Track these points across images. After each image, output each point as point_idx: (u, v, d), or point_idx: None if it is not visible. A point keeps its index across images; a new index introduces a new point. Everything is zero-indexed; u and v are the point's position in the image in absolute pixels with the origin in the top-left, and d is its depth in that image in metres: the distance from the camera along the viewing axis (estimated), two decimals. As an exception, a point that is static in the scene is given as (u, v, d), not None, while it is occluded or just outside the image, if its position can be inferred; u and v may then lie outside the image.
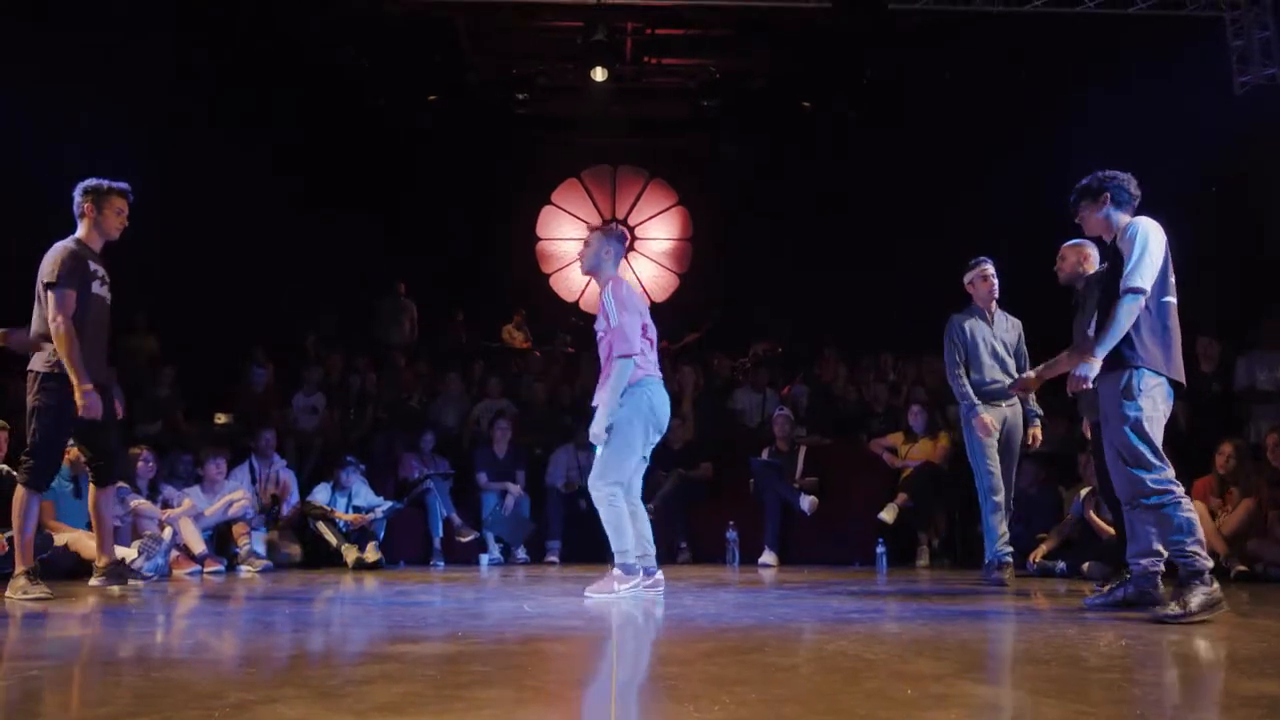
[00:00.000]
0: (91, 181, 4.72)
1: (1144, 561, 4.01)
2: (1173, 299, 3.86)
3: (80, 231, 4.70)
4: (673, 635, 3.47)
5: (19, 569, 4.59)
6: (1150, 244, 3.78)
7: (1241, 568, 5.69)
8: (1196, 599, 3.54)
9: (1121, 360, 3.77)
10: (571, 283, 14.02)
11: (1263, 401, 7.55)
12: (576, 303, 13.90)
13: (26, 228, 4.19)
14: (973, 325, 5.80)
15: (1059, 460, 7.00)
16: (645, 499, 7.87)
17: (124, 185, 4.77)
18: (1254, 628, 3.43)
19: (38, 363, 4.59)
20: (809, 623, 3.71)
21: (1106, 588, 4.49)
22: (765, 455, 7.97)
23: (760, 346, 11.17)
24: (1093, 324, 4.75)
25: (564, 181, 14.15)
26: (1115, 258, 3.91)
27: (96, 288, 4.67)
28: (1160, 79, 8.67)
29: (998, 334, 5.76)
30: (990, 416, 5.63)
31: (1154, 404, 3.74)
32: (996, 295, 5.80)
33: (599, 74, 10.45)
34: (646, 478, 8.28)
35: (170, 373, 8.59)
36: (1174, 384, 3.83)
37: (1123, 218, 3.99)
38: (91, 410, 4.50)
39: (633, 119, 12.81)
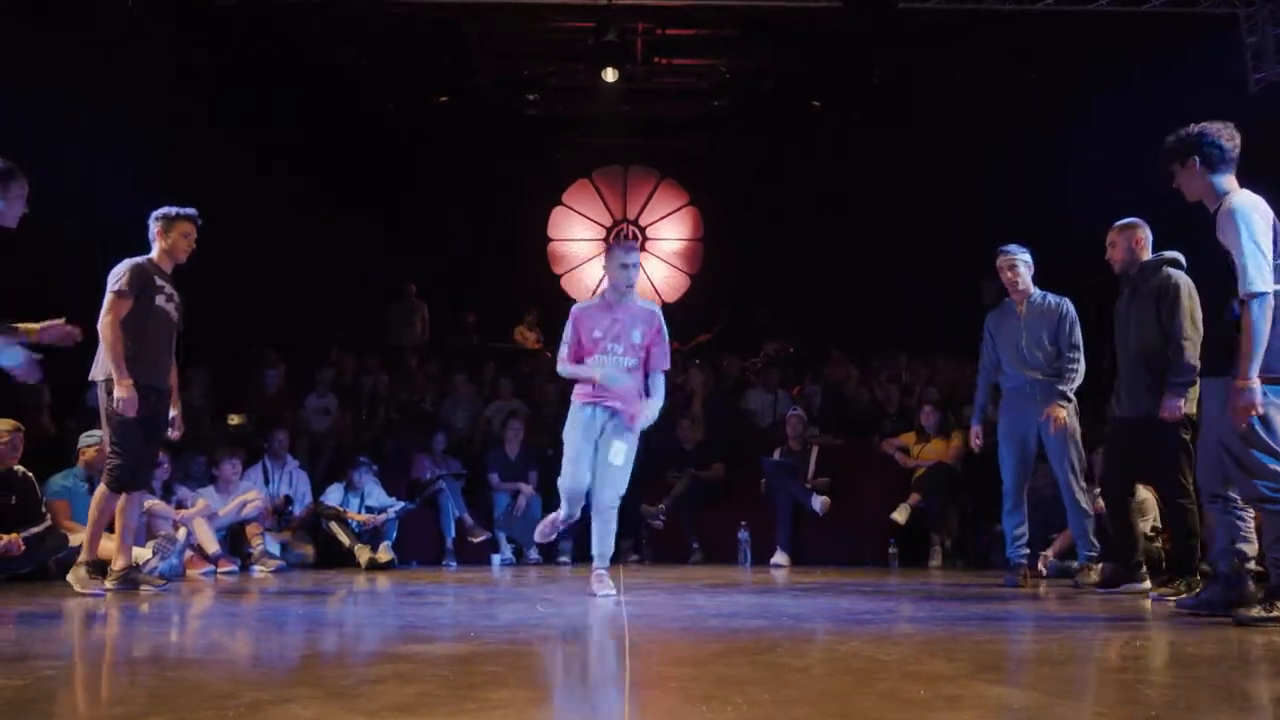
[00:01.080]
0: (162, 209, 5.09)
1: (1230, 558, 3.92)
2: None
3: (153, 253, 5.06)
4: (685, 636, 3.47)
5: (82, 558, 4.89)
6: (1256, 232, 3.43)
7: (1259, 568, 5.64)
8: None
9: (1226, 367, 3.51)
10: (583, 283, 14.02)
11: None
12: (588, 303, 13.88)
13: (26, 228, 4.23)
14: (998, 321, 5.62)
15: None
16: (655, 500, 7.94)
17: (191, 211, 5.12)
18: (1270, 629, 3.41)
19: (99, 372, 4.88)
20: (821, 623, 3.71)
21: (1182, 587, 4.47)
22: (777, 455, 7.96)
23: (771, 346, 11.16)
24: (1177, 318, 4.54)
25: (575, 182, 14.15)
26: (1214, 243, 3.56)
27: (161, 302, 4.99)
28: (1172, 77, 8.62)
29: (1026, 326, 5.45)
30: (976, 429, 5.70)
31: (1269, 409, 3.46)
32: (1022, 285, 5.50)
33: (609, 74, 10.45)
34: (657, 479, 8.34)
35: (202, 375, 8.62)
36: None
37: (1225, 181, 3.60)
38: (127, 407, 4.74)
39: (643, 119, 12.79)
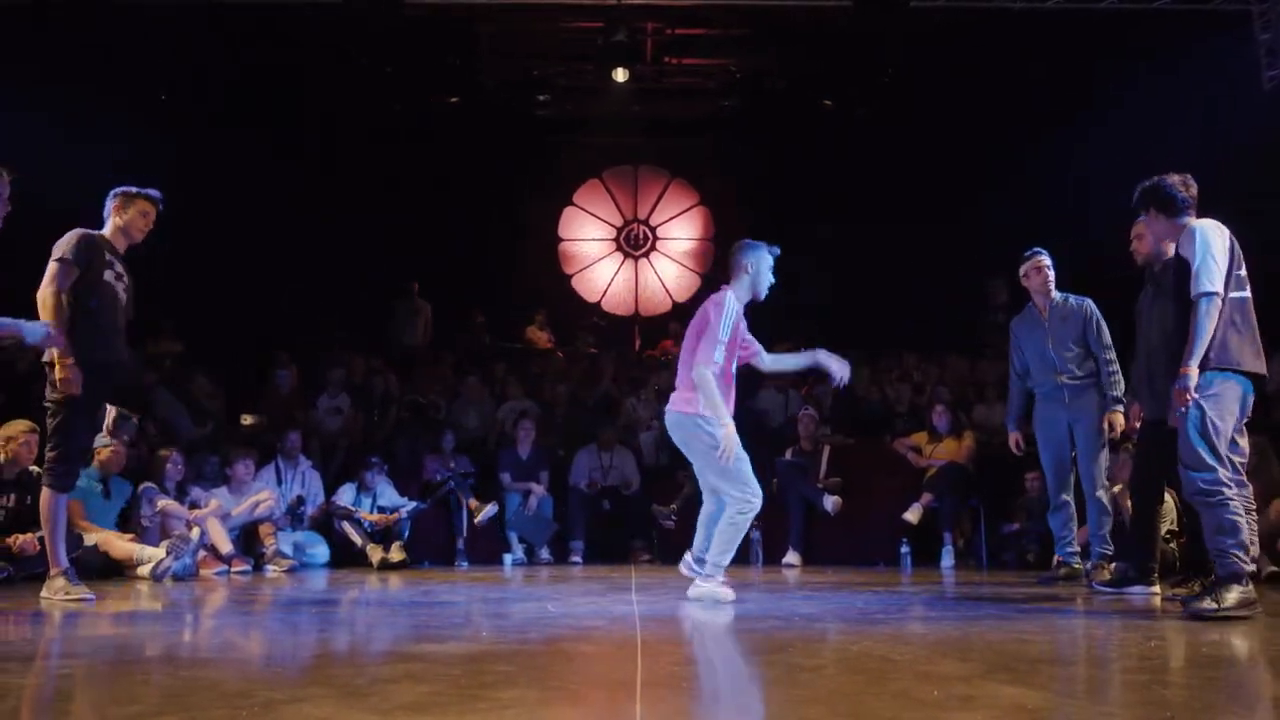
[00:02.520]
0: (122, 186, 4.80)
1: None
2: (1245, 294, 3.84)
3: (105, 229, 4.74)
4: (697, 636, 3.46)
5: (54, 570, 4.55)
6: (1212, 245, 3.77)
7: (1272, 568, 5.61)
8: (1231, 596, 3.58)
9: (1180, 366, 3.74)
10: (593, 283, 14.04)
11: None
12: (598, 303, 13.92)
13: (25, 228, 4.24)
14: (1023, 328, 5.67)
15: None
16: (667, 501, 7.93)
17: (155, 193, 4.82)
18: (1222, 621, 3.40)
19: (49, 354, 4.51)
20: (833, 623, 3.70)
21: (1196, 587, 4.45)
22: (789, 455, 7.94)
23: (782, 347, 11.13)
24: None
25: (585, 182, 14.17)
26: (1180, 263, 3.90)
27: (110, 278, 4.64)
28: (1184, 75, 8.58)
29: (1051, 330, 5.50)
30: (1015, 435, 5.72)
31: (1220, 404, 3.71)
32: (1050, 288, 5.53)
33: (620, 74, 10.45)
34: (669, 479, 8.33)
35: (213, 376, 8.68)
36: (1255, 377, 3.80)
37: (1187, 221, 3.95)
38: (68, 386, 4.37)
39: (653, 119, 12.80)
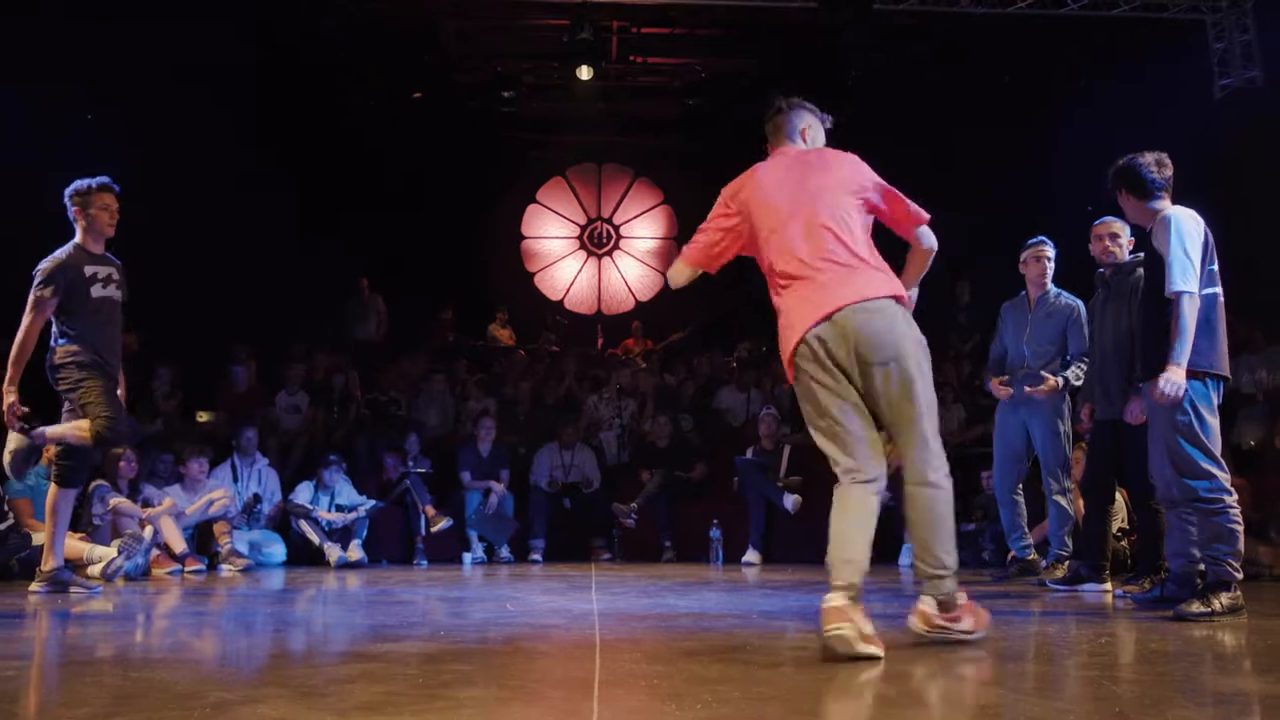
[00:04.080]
0: (74, 184, 4.72)
1: (1183, 560, 3.99)
2: (1217, 290, 3.74)
3: (76, 236, 4.72)
4: (655, 634, 3.47)
5: (54, 564, 4.68)
6: (1186, 240, 3.65)
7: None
8: (1221, 600, 3.58)
9: (1165, 365, 3.63)
10: (556, 281, 14.00)
11: (1245, 404, 7.61)
12: (561, 301, 13.89)
13: (24, 227, 4.17)
14: (1008, 312, 5.63)
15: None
16: (627, 499, 7.94)
17: (106, 180, 4.74)
18: (1236, 626, 3.46)
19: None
20: (792, 621, 3.73)
21: (1147, 584, 4.52)
22: (750, 454, 7.97)
23: (745, 345, 11.18)
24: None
25: (549, 180, 14.13)
26: (1151, 254, 3.81)
27: (98, 290, 4.66)
28: (1141, 81, 8.72)
29: (1032, 322, 5.45)
30: (996, 381, 5.55)
31: (1203, 406, 3.65)
32: (1045, 280, 5.46)
33: (584, 73, 10.43)
34: (630, 477, 8.34)
35: (166, 373, 8.54)
36: (1221, 378, 3.74)
37: (1159, 205, 3.83)
38: (10, 422, 4.50)
39: (618, 118, 12.79)
